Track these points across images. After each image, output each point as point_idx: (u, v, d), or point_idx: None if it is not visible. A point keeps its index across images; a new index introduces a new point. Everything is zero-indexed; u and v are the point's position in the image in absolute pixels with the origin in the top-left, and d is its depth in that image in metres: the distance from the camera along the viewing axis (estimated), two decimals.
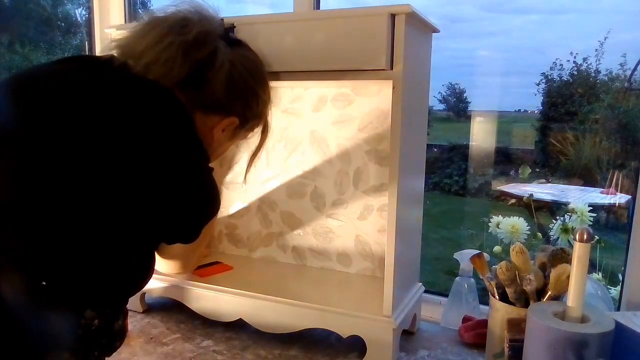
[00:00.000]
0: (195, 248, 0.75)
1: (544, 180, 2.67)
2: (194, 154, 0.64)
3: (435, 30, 1.04)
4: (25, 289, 0.58)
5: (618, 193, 2.18)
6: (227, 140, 0.78)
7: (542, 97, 2.90)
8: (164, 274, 0.79)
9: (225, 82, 0.70)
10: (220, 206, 0.70)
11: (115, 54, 0.67)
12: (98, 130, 0.58)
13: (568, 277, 0.80)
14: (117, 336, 0.67)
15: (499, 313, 0.91)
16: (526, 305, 0.88)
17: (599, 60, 2.62)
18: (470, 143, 3.37)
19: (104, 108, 0.59)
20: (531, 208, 1.39)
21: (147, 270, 0.69)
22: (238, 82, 0.72)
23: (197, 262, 0.82)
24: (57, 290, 0.59)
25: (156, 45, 0.66)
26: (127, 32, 0.70)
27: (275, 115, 1.24)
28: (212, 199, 0.68)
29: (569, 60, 2.78)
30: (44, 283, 0.58)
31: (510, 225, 1.16)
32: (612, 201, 2.19)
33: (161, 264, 0.77)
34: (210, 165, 0.68)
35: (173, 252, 0.74)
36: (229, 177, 1.33)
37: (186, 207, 0.64)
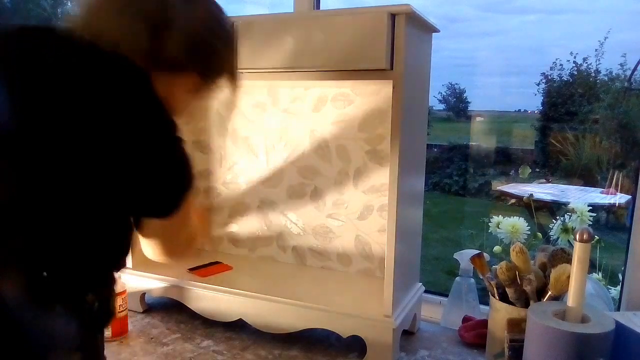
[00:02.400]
0: (176, 230, 0.74)
1: (544, 180, 2.67)
2: (156, 122, 0.63)
3: (435, 30, 1.04)
4: (27, 284, 0.58)
5: (618, 193, 2.19)
6: (192, 99, 0.76)
7: (542, 97, 2.91)
8: (154, 260, 0.78)
9: (183, 40, 0.68)
10: (195, 180, 0.68)
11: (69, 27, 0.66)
12: (60, 108, 0.57)
13: (568, 277, 0.80)
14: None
15: (499, 313, 0.91)
16: (526, 305, 0.88)
17: (599, 60, 2.63)
18: (470, 143, 3.37)
19: (62, 84, 0.58)
20: (531, 208, 1.39)
21: (128, 246, 0.70)
22: (195, 39, 0.70)
23: (183, 250, 0.80)
24: (58, 279, 0.60)
25: (108, 12, 0.65)
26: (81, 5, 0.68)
27: (275, 115, 1.25)
28: (181, 166, 0.67)
29: (569, 60, 2.78)
30: (45, 274, 0.59)
31: (510, 225, 1.16)
32: (612, 201, 2.19)
33: (143, 245, 0.76)
34: (180, 136, 0.67)
35: (153, 232, 0.73)
36: (229, 177, 1.33)
37: (154, 176, 0.63)
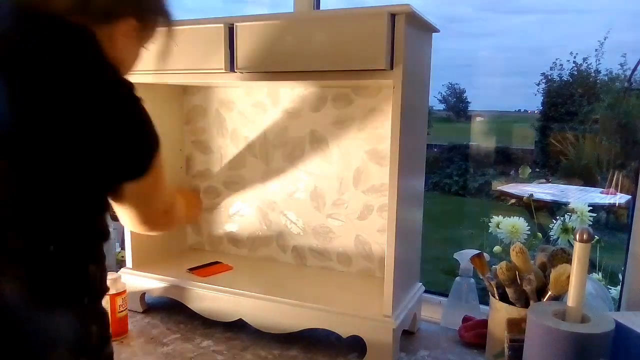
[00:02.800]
0: (151, 197, 0.74)
1: (544, 180, 2.67)
2: (107, 83, 0.63)
3: (435, 30, 1.04)
4: (27, 284, 0.58)
5: (618, 193, 2.18)
6: (134, 46, 0.76)
7: (542, 97, 2.90)
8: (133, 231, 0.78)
9: None
10: (159, 138, 0.68)
11: None
12: (17, 84, 0.57)
13: (568, 277, 0.80)
14: (107, 290, 0.70)
15: (499, 313, 0.91)
16: (526, 305, 0.88)
17: (599, 60, 2.62)
18: (470, 143, 3.37)
19: (14, 57, 0.58)
20: (531, 208, 1.39)
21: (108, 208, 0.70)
22: None
23: (162, 221, 0.80)
24: (64, 251, 0.62)
25: None
26: None
27: (275, 115, 1.25)
28: (145, 124, 0.67)
29: (569, 60, 2.78)
30: (52, 248, 0.60)
31: (510, 225, 1.16)
32: (612, 201, 2.19)
33: (121, 215, 0.77)
34: (138, 95, 0.66)
35: (129, 201, 0.73)
36: (229, 177, 1.33)
37: (121, 137, 0.63)
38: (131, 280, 1.19)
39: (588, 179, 2.51)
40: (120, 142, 0.63)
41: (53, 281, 0.61)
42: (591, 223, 1.16)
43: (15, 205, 0.59)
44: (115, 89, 0.63)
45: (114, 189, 0.69)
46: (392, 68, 0.87)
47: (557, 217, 1.20)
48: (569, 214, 1.17)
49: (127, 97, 0.64)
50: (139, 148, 0.66)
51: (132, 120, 0.65)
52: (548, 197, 2.31)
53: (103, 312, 0.69)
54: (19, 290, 0.58)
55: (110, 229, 1.48)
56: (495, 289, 0.92)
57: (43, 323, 0.60)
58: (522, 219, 1.18)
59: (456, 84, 3.71)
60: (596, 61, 2.66)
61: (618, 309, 1.08)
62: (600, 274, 1.33)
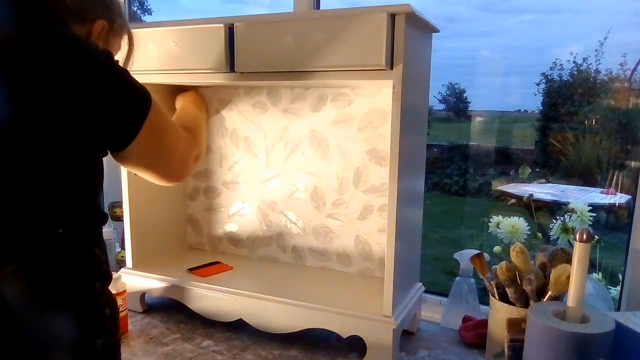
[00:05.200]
0: (158, 151, 0.75)
1: (544, 180, 2.67)
2: (88, 52, 0.64)
3: (435, 30, 1.04)
4: (27, 284, 0.59)
5: (618, 193, 2.18)
6: (109, 43, 0.79)
7: (542, 97, 2.90)
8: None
9: None
10: (147, 95, 0.70)
11: None
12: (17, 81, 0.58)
13: (568, 277, 0.80)
14: (109, 268, 0.73)
15: (499, 313, 0.91)
16: (526, 305, 0.88)
17: (599, 60, 2.62)
18: (470, 143, 3.37)
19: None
20: (531, 208, 1.39)
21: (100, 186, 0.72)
22: None
23: (180, 170, 0.82)
24: (71, 234, 0.64)
25: None
26: None
27: (275, 115, 1.25)
28: (132, 85, 0.68)
29: (569, 60, 2.77)
30: (60, 230, 0.62)
31: (510, 225, 1.16)
32: (612, 201, 2.19)
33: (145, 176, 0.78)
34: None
35: (137, 160, 0.74)
36: (229, 177, 1.33)
37: (102, 100, 0.64)
38: (131, 280, 1.19)
39: (588, 179, 2.51)
40: (107, 105, 0.64)
41: (66, 264, 0.63)
42: (591, 223, 1.16)
43: (19, 188, 0.59)
44: (95, 56, 0.64)
45: (116, 156, 0.70)
46: (392, 68, 0.87)
47: (557, 217, 1.20)
48: (569, 214, 1.17)
49: (107, 62, 0.65)
50: (124, 108, 0.67)
51: (113, 82, 0.66)
52: (548, 197, 2.31)
53: (113, 297, 0.72)
54: (35, 277, 0.60)
55: (110, 229, 1.49)
56: (495, 289, 0.92)
57: (60, 308, 0.62)
58: (522, 219, 1.18)
59: (456, 84, 3.70)
60: (596, 61, 2.66)
61: (618, 309, 1.08)
62: (600, 274, 1.33)
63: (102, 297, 0.68)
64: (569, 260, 0.84)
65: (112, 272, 0.75)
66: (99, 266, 0.68)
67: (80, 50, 0.63)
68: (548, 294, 0.86)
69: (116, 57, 0.71)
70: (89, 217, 0.67)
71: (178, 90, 1.27)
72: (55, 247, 0.62)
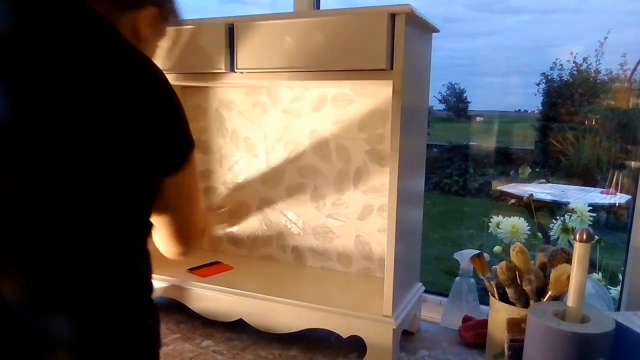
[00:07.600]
0: (187, 209, 0.74)
1: (544, 180, 2.67)
2: (149, 73, 0.64)
3: (435, 30, 1.04)
4: (27, 284, 0.58)
5: (618, 193, 2.18)
6: (155, 36, 0.77)
7: (542, 97, 2.90)
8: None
9: None
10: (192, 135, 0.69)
11: None
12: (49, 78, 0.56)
13: (568, 277, 0.80)
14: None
15: (499, 313, 0.91)
16: (526, 305, 0.88)
17: (599, 60, 2.62)
18: (470, 143, 3.37)
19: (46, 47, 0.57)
20: (531, 208, 1.39)
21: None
22: None
23: (194, 237, 0.79)
24: (127, 243, 0.64)
25: None
26: None
27: (275, 115, 1.25)
28: (179, 113, 0.68)
29: (569, 60, 2.77)
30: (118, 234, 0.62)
31: (510, 225, 1.16)
32: (612, 201, 2.19)
33: (159, 235, 0.76)
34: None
35: (169, 199, 0.72)
36: (229, 177, 1.33)
37: (158, 124, 0.63)
38: None
39: (588, 179, 2.51)
40: (163, 127, 0.64)
41: (126, 269, 0.63)
42: (591, 223, 1.16)
43: (78, 196, 0.58)
44: (156, 78, 0.64)
45: (158, 181, 0.68)
46: (391, 68, 0.87)
47: (557, 217, 1.20)
48: (569, 214, 1.17)
49: (167, 88, 0.65)
50: (179, 137, 0.67)
51: (174, 110, 0.66)
52: (548, 197, 2.31)
53: (156, 305, 0.70)
54: (88, 284, 0.60)
55: None
56: (495, 289, 0.92)
57: (43, 323, 0.60)
58: (522, 219, 1.18)
59: (456, 84, 3.70)
60: (596, 61, 2.66)
61: (618, 309, 1.08)
62: (600, 274, 1.33)
63: (152, 307, 0.69)
64: (569, 260, 0.84)
65: None
66: (148, 275, 0.68)
67: (154, 80, 0.63)
68: (548, 294, 0.86)
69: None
70: (142, 227, 0.68)
71: (178, 91, 1.26)
72: (36, 290, 0.59)
